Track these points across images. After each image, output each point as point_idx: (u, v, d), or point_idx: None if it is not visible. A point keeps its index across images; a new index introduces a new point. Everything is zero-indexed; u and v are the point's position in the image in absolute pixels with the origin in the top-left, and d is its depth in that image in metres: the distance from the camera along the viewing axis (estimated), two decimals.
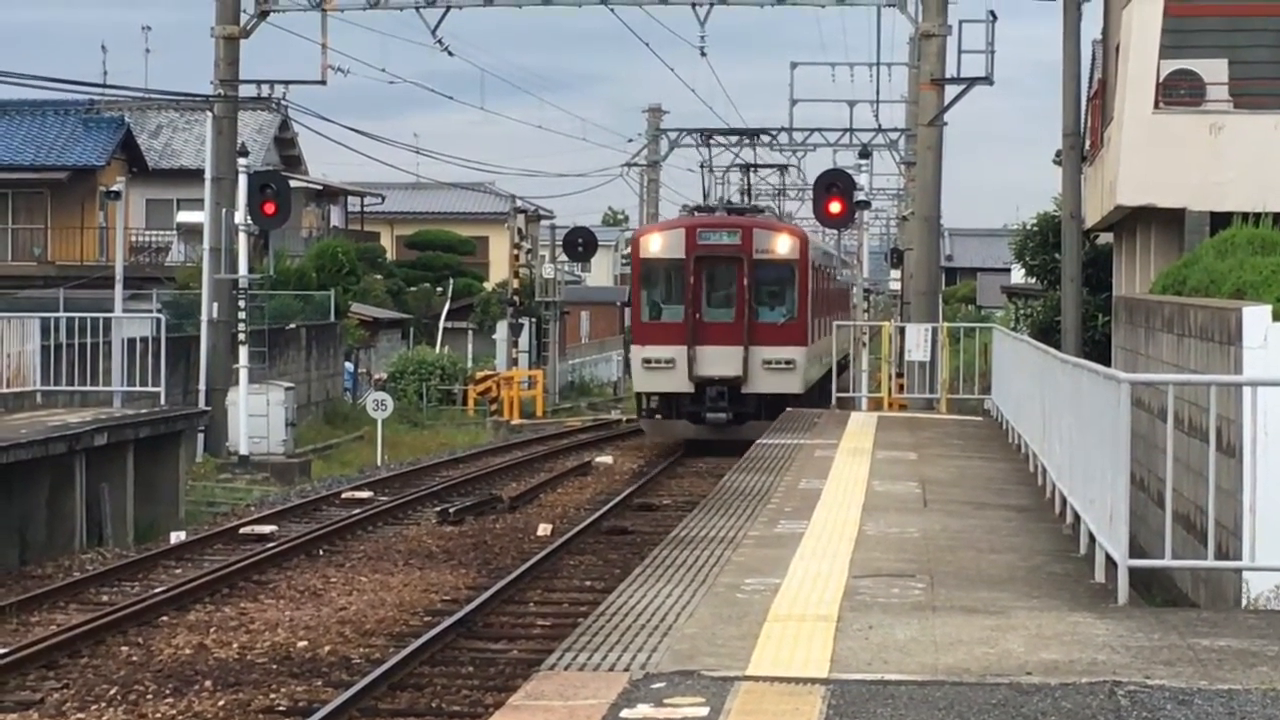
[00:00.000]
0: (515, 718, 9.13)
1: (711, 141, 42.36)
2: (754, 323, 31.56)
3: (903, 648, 10.64)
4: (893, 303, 41.13)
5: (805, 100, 48.30)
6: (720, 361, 31.16)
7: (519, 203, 65.86)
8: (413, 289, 68.58)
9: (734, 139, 44.21)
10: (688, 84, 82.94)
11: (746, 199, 40.72)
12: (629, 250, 46.34)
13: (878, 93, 48.30)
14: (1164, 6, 22.80)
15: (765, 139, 46.10)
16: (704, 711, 9.06)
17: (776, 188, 55.11)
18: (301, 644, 18.58)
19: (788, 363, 31.40)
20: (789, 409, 28.58)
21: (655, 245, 32.62)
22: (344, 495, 28.81)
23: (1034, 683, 9.81)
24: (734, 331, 31.32)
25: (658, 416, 32.95)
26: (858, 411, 29.93)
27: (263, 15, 30.97)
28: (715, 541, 15.05)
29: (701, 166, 40.14)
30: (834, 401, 31.80)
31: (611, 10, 36.36)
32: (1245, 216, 19.78)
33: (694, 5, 34.57)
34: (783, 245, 31.79)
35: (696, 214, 34.97)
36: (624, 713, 9.03)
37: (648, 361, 32.03)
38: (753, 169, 47.55)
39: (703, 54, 36.40)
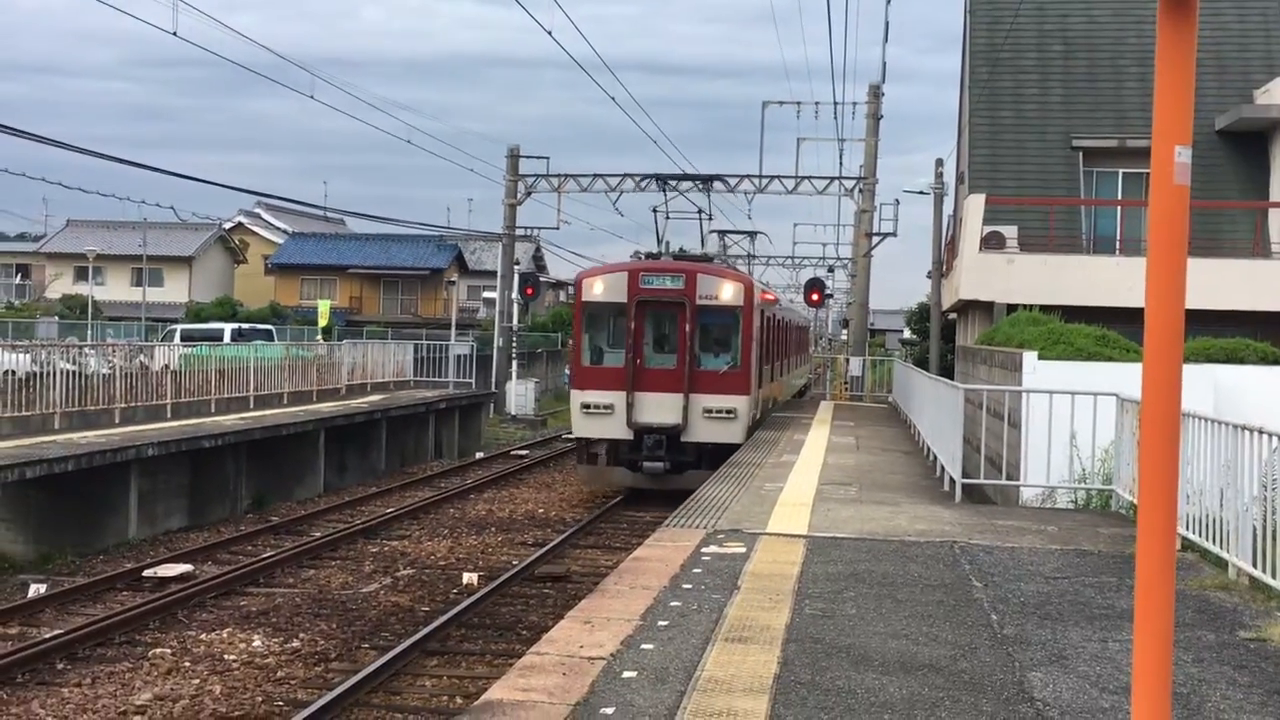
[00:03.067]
0: (648, 550, 11.73)
1: (667, 187, 36.44)
2: (695, 370, 25.72)
3: (845, 520, 13.79)
4: (843, 345, 55.59)
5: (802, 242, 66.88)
6: (660, 409, 25.38)
7: None
8: None
9: (689, 185, 37.70)
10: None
11: (702, 246, 33.49)
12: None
13: (838, 238, 60.89)
14: (984, 199, 29.89)
15: (720, 186, 39.64)
16: (743, 549, 11.66)
17: (748, 252, 52.34)
18: (540, 510, 25.92)
19: (729, 412, 25.36)
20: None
21: (598, 288, 26.49)
22: (564, 437, 37.49)
23: (913, 540, 12.68)
24: (675, 379, 25.61)
25: (596, 463, 26.37)
26: (825, 400, 40.11)
27: (528, 194, 45.41)
28: (749, 465, 19.67)
29: (655, 211, 33.27)
30: (808, 394, 43.71)
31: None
32: (1024, 306, 25.87)
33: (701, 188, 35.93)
34: (727, 292, 26.07)
35: (645, 259, 28.97)
36: (703, 548, 11.59)
37: (586, 406, 25.91)
38: (727, 234, 43.72)
39: (710, 217, 34.60)
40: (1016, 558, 11.86)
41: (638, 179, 42.74)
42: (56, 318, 62.88)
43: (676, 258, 28.84)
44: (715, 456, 23.47)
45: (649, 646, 8.25)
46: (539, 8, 65.09)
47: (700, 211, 34.25)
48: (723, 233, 42.74)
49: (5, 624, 15.80)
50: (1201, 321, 19.99)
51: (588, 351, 26.65)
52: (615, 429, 25.72)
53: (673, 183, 36.57)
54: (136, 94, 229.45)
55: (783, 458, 21.18)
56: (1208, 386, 15.70)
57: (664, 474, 25.38)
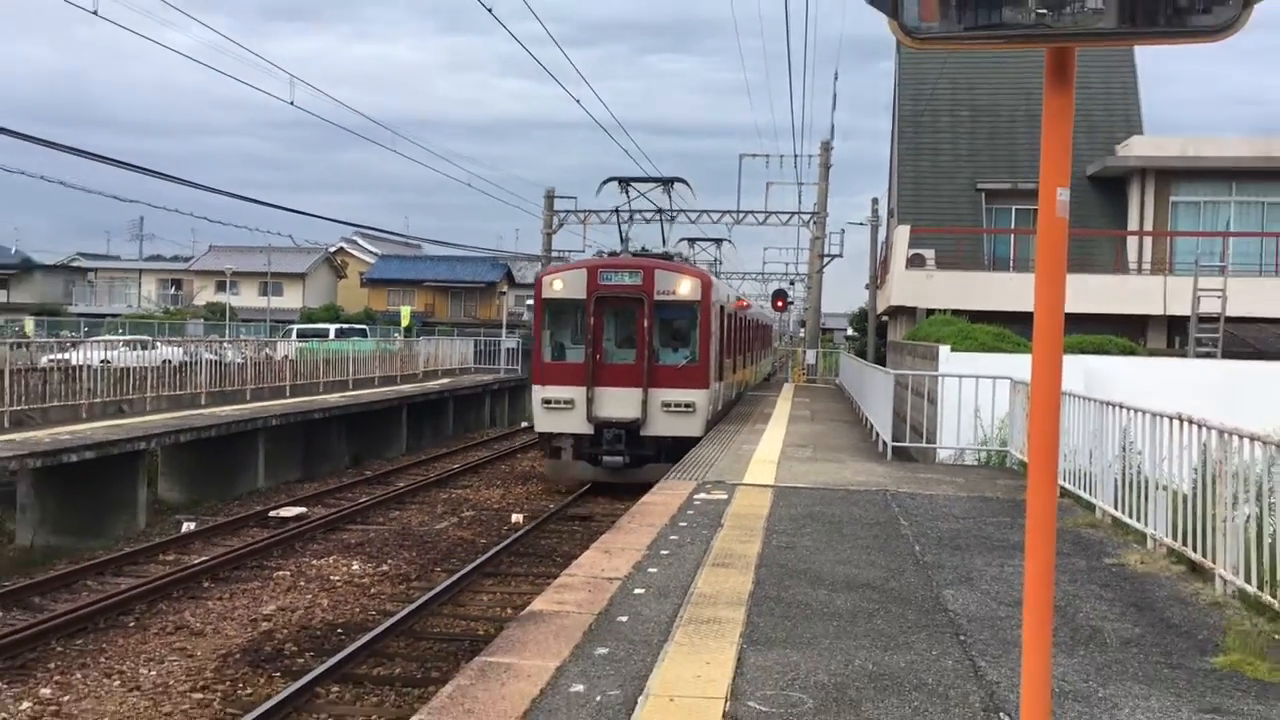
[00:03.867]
0: (652, 497, 11.84)
1: (629, 188, 27.66)
2: (654, 365, 21.08)
3: (803, 474, 14.04)
4: (801, 341, 54.68)
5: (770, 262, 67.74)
6: (619, 403, 20.90)
7: None
8: None
9: (650, 185, 28.21)
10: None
11: (663, 245, 26.81)
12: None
13: (798, 258, 59.58)
14: (909, 228, 30.09)
15: (682, 189, 28.62)
16: (725, 496, 11.90)
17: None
18: None
19: (687, 406, 20.90)
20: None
21: (558, 285, 21.69)
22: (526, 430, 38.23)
23: (854, 488, 12.91)
24: (634, 373, 21.03)
25: (560, 457, 21.56)
26: (787, 383, 40.17)
27: (560, 225, 43.42)
28: (730, 433, 20.09)
29: (616, 211, 26.72)
30: (774, 378, 42.64)
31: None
32: (939, 311, 26.46)
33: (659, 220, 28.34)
34: (685, 287, 21.43)
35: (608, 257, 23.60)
36: (695, 495, 11.94)
37: (548, 402, 21.14)
38: (695, 242, 37.00)
39: (673, 218, 29.01)
40: (934, 502, 11.87)
41: (644, 214, 38.22)
42: (202, 320, 63.03)
43: (636, 256, 23.25)
44: (674, 450, 18.76)
45: (654, 570, 8.25)
46: (571, 84, 64.95)
47: (660, 212, 27.42)
48: (691, 240, 36.77)
49: (165, 553, 15.89)
50: (1075, 322, 20.00)
51: (548, 348, 21.51)
52: (576, 424, 20.85)
53: (635, 185, 28.34)
54: (262, 148, 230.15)
55: (755, 427, 21.16)
56: (1080, 372, 15.67)
57: (624, 468, 20.54)
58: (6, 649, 10.78)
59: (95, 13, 14.41)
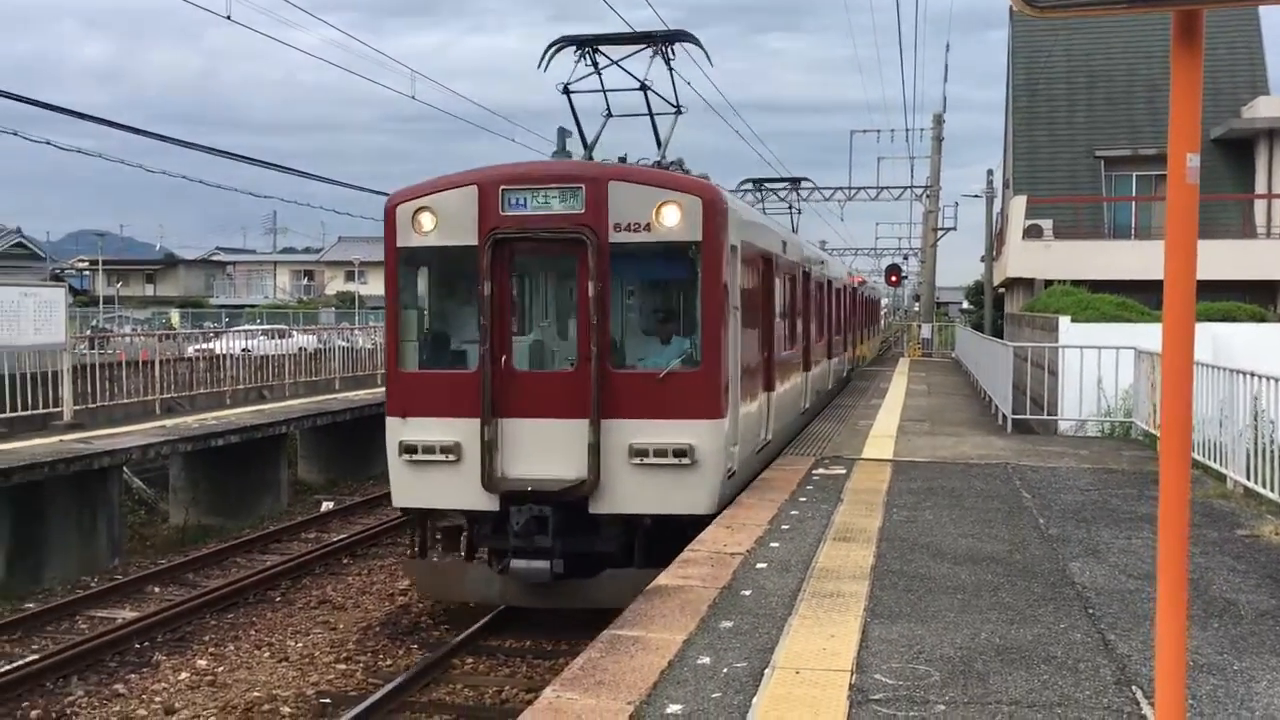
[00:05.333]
0: (771, 473, 11.65)
1: (762, 189, 24.00)
2: (611, 372, 10.02)
3: (921, 448, 13.74)
4: (916, 315, 53.62)
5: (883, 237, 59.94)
6: (544, 452, 10.08)
7: None
8: None
9: (780, 184, 24.55)
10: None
11: (659, 149, 11.96)
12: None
13: (910, 233, 58.11)
14: (1026, 199, 29.80)
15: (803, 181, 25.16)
16: (844, 471, 11.71)
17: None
18: None
19: (680, 454, 9.80)
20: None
21: (425, 222, 10.42)
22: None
23: (974, 462, 12.63)
24: (572, 391, 10.02)
25: (435, 553, 11.21)
26: (903, 358, 39.45)
27: None
28: (846, 408, 19.46)
29: (566, 89, 11.87)
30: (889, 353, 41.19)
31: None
32: (1058, 282, 25.78)
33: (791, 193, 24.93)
34: (669, 216, 9.92)
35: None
36: (814, 471, 11.75)
37: (410, 450, 10.24)
38: (762, 185, 24.43)
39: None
40: (1057, 475, 11.62)
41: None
42: (333, 308, 64.78)
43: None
44: (661, 538, 9.87)
45: (775, 545, 8.24)
46: (680, 65, 65.11)
47: (644, 83, 12.16)
48: (758, 181, 24.08)
49: (306, 531, 16.42)
50: (1202, 289, 19.25)
51: (412, 344, 10.89)
52: (462, 493, 10.31)
53: (768, 185, 23.62)
54: (387, 141, 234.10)
55: (871, 402, 20.83)
56: (1207, 340, 15.14)
57: (554, 582, 10.09)
58: (166, 623, 11.30)
59: (229, 17, 14.87)
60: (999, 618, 6.29)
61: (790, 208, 24.94)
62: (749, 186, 24.17)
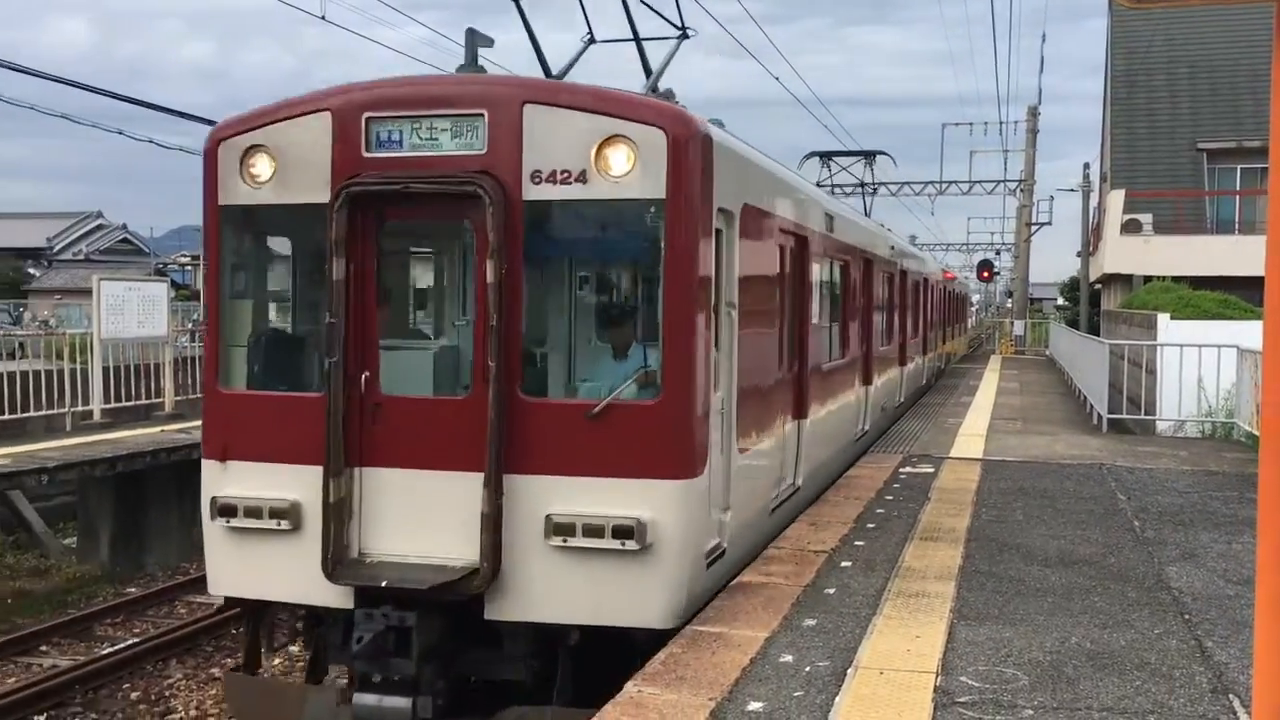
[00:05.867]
0: (858, 470, 11.49)
1: (830, 162, 19.51)
2: (522, 401, 5.98)
3: (1012, 447, 13.49)
4: (1008, 311, 53.03)
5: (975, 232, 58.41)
6: (418, 519, 6.11)
7: None
8: None
9: (851, 159, 19.78)
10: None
11: (649, 79, 7.64)
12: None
13: (1003, 228, 57.98)
14: (1124, 193, 29.46)
15: (881, 158, 20.13)
16: (931, 469, 11.51)
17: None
18: None
19: (622, 533, 5.79)
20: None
21: (260, 167, 6.40)
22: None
23: (1067, 462, 12.32)
24: (463, 427, 5.99)
25: (262, 665, 7.02)
26: (994, 355, 39.07)
27: None
28: (934, 406, 19.25)
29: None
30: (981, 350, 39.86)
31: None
32: (1157, 278, 25.74)
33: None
34: (619, 159, 5.81)
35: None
36: (901, 469, 11.58)
37: (228, 511, 6.39)
38: (830, 157, 19.85)
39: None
40: (1154, 476, 11.37)
41: (844, 188, 29.46)
42: None
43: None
44: (594, 658, 6.19)
45: (860, 543, 8.14)
46: (769, 60, 64.38)
47: (862, 185, 15.59)
48: (825, 154, 19.94)
49: None
50: None
51: (239, 351, 6.90)
52: (300, 577, 6.34)
53: (836, 159, 19.96)
54: None
55: (961, 400, 20.57)
56: None
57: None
58: None
59: (323, 17, 15.15)
60: (1090, 622, 6.13)
61: (862, 186, 20.57)
62: (814, 161, 19.44)
